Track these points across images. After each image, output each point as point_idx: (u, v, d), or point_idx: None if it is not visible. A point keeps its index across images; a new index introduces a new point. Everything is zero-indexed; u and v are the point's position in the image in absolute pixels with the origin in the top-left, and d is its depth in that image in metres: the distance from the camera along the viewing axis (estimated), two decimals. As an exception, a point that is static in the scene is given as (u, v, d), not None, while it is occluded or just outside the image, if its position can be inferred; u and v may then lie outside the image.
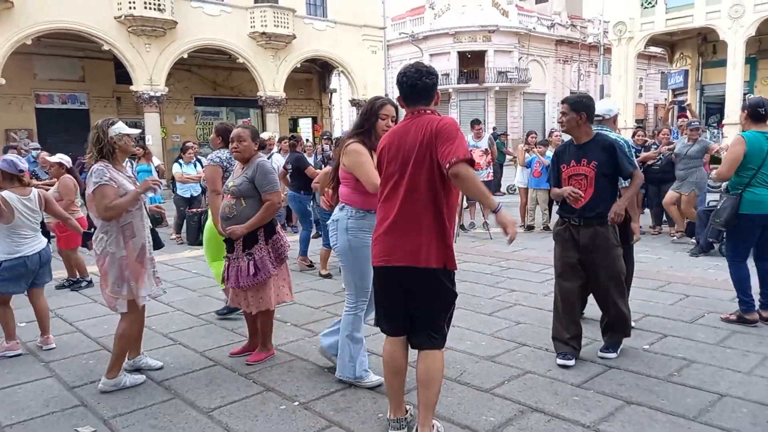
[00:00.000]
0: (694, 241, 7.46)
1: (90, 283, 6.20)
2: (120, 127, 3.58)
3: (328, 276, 6.47)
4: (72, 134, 18.46)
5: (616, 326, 3.87)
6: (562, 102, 3.91)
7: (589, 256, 3.78)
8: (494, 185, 14.12)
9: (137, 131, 3.85)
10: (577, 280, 3.84)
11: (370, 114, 3.38)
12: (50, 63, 18.56)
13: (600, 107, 4.37)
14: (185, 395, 3.43)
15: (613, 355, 3.82)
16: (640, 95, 37.04)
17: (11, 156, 4.37)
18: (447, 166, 2.47)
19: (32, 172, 8.54)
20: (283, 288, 3.93)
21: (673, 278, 5.97)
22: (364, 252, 3.19)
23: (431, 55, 35.62)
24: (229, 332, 4.62)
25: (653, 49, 29.91)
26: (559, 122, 4.10)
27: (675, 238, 8.15)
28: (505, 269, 6.64)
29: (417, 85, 2.70)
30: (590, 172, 3.75)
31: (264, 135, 7.98)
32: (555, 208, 9.25)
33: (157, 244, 3.85)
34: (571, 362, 3.69)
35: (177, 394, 3.47)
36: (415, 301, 2.73)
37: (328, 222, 3.64)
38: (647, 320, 4.59)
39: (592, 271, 3.81)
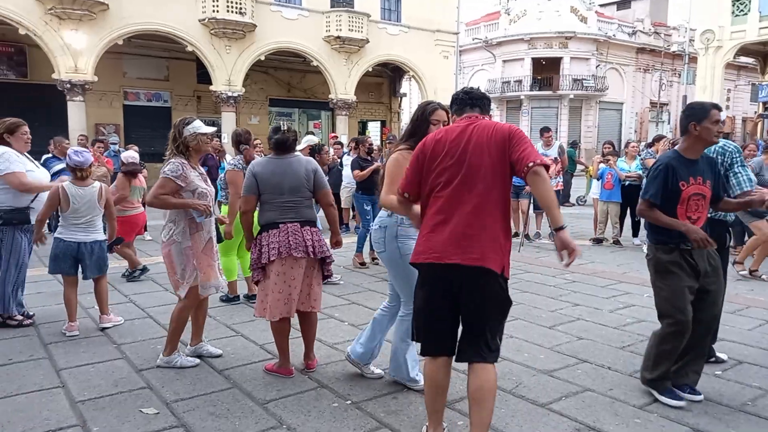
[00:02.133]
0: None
1: (144, 270, 6.49)
2: (195, 127, 3.74)
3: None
4: (155, 130, 19.55)
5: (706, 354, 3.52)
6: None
7: (708, 280, 3.34)
8: (563, 196, 13.76)
9: (213, 129, 3.98)
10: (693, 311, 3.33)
11: (421, 119, 3.30)
12: (138, 62, 19.69)
13: None
14: (243, 386, 3.54)
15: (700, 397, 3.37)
16: (727, 107, 35.00)
17: (72, 149, 4.52)
18: (531, 164, 2.41)
19: (118, 168, 8.99)
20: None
21: (753, 302, 5.60)
22: None
23: (504, 61, 35.16)
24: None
25: (744, 59, 28.25)
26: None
27: (740, 270, 6.79)
28: (569, 282, 6.44)
29: (473, 92, 2.85)
30: (707, 192, 3.34)
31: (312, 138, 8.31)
32: (627, 221, 9.05)
33: (218, 239, 4.04)
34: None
35: (235, 384, 3.58)
36: (468, 307, 2.57)
37: (373, 227, 3.48)
38: (721, 345, 4.31)
39: (711, 297, 3.37)
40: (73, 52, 15.99)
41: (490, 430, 2.79)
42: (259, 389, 3.49)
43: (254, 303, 4.11)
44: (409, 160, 2.83)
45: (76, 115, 16.34)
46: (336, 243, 3.92)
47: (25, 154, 4.67)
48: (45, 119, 15.36)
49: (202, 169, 3.98)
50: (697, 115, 3.27)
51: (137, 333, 4.56)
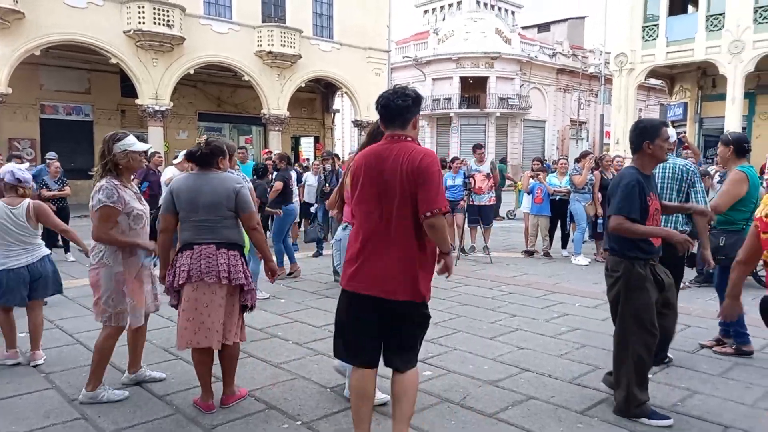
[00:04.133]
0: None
1: None
2: (126, 144, 3.50)
3: None
4: (76, 145, 18.59)
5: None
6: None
7: (670, 293, 3.47)
8: (494, 210, 14.17)
9: (147, 146, 3.80)
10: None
11: (376, 133, 3.36)
12: (57, 74, 18.70)
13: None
14: (186, 411, 3.41)
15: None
16: (640, 125, 37.28)
17: (12, 166, 4.32)
18: (428, 214, 2.50)
19: (42, 182, 8.49)
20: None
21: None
22: None
23: (434, 79, 36.02)
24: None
25: (653, 81, 30.33)
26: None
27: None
28: (506, 294, 6.64)
29: (389, 106, 2.67)
30: (659, 206, 3.48)
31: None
32: (557, 234, 9.47)
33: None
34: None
35: (178, 409, 3.44)
36: (394, 329, 2.69)
37: (332, 241, 3.64)
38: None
39: (673, 308, 3.54)
40: (-17, 62, 15.00)
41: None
42: (204, 414, 3.37)
43: None
44: None
45: (-13, 128, 15.30)
46: (270, 270, 3.57)
47: None
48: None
49: (136, 188, 3.78)
50: (649, 133, 3.35)
51: (67, 361, 4.29)
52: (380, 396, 3.44)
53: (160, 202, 5.44)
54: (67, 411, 3.41)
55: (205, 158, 3.37)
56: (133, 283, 3.55)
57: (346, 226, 3.45)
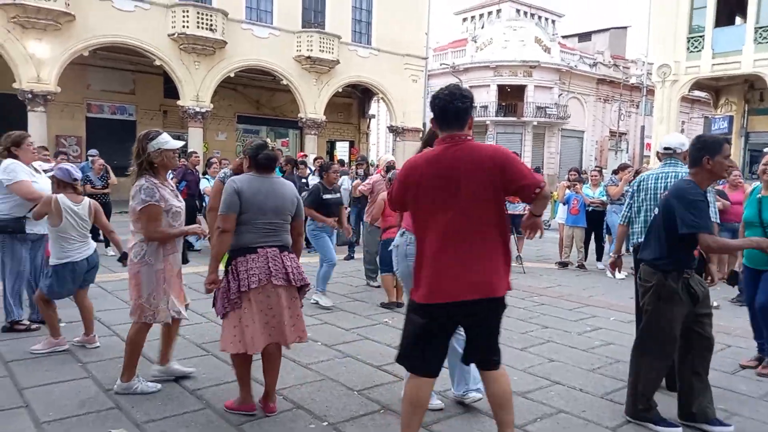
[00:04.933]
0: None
1: None
2: (160, 142, 3.55)
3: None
4: (119, 144, 19.12)
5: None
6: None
7: (705, 303, 3.41)
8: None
9: (181, 143, 3.78)
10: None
11: (428, 142, 3.43)
12: (103, 74, 19.34)
13: (673, 140, 4.20)
14: (216, 406, 3.46)
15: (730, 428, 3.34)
16: (682, 138, 36.40)
17: (67, 165, 4.54)
18: (537, 191, 2.53)
19: (86, 178, 8.76)
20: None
21: (714, 327, 5.78)
22: None
23: (471, 86, 35.73)
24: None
25: (697, 93, 29.55)
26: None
27: None
28: (538, 305, 6.55)
29: (449, 108, 2.63)
30: None
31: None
32: (592, 246, 9.29)
33: (184, 259, 3.94)
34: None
35: (208, 404, 3.50)
36: (478, 330, 2.69)
37: (390, 247, 3.73)
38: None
39: (709, 319, 3.44)
40: (36, 62, 15.60)
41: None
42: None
43: None
44: None
45: (37, 126, 15.86)
46: None
47: (32, 164, 4.87)
48: (3, 129, 14.83)
49: (173, 185, 3.83)
50: (710, 149, 3.28)
51: (103, 352, 4.41)
52: (435, 402, 3.46)
53: (207, 201, 5.54)
54: (102, 400, 3.50)
55: (271, 163, 3.40)
56: (174, 279, 3.65)
57: (404, 232, 3.51)
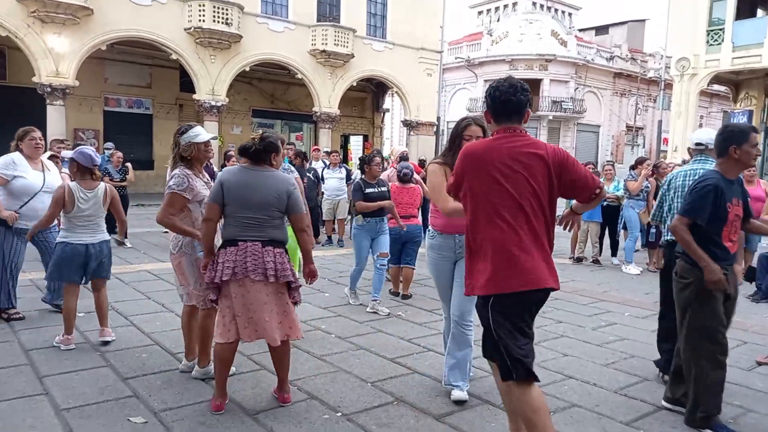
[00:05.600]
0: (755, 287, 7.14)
1: None
2: (191, 135, 3.62)
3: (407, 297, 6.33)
4: (136, 137, 19.40)
5: None
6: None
7: (732, 302, 3.39)
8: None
9: (209, 136, 3.77)
10: None
11: (455, 135, 3.47)
12: (120, 68, 19.52)
13: (704, 135, 4.04)
14: (232, 396, 3.50)
15: None
16: (700, 133, 35.92)
17: (88, 149, 4.43)
18: (597, 191, 2.63)
19: (104, 170, 8.87)
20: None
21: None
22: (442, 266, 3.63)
23: (486, 80, 35.66)
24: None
25: (716, 87, 29.12)
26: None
27: None
28: (552, 299, 6.43)
29: (511, 101, 2.59)
30: (741, 213, 3.36)
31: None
32: (606, 241, 9.22)
33: None
34: None
35: (224, 394, 3.54)
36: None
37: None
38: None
39: (730, 321, 3.41)
40: (55, 56, 15.78)
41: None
42: (249, 400, 3.46)
43: None
44: (439, 173, 3.30)
45: (56, 119, 16.07)
46: (309, 273, 3.49)
47: (43, 159, 5.04)
48: (22, 122, 15.02)
49: (207, 177, 3.84)
50: (737, 138, 3.23)
51: (121, 341, 4.48)
52: (458, 394, 3.51)
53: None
54: (120, 388, 3.57)
55: (258, 154, 3.28)
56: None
57: (433, 233, 3.64)
